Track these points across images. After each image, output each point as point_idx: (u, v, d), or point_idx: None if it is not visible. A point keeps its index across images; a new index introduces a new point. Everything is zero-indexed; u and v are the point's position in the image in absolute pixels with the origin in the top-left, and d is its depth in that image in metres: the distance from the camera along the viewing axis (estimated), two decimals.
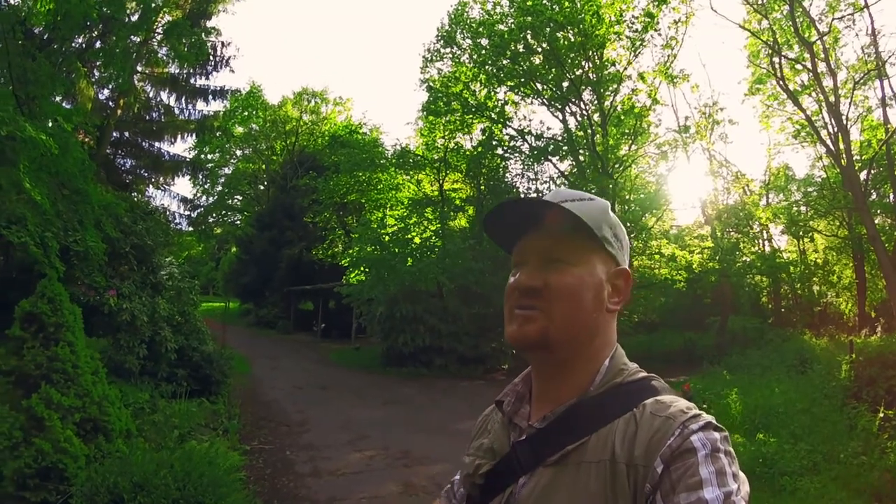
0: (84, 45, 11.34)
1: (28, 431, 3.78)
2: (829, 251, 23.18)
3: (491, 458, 1.05)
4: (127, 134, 18.42)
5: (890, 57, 15.81)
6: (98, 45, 10.94)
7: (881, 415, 6.61)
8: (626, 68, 18.89)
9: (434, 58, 20.86)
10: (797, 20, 16.06)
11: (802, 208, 20.95)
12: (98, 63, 11.33)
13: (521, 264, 1.02)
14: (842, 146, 15.91)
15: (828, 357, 11.28)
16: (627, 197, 19.47)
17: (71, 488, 3.61)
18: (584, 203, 1.02)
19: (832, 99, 16.13)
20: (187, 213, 23.14)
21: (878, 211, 18.71)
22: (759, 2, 17.13)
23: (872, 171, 17.87)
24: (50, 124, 6.00)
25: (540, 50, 18.85)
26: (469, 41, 20.06)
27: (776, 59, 16.87)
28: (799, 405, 7.94)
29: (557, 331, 0.96)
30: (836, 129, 16.22)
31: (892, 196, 18.40)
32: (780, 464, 5.99)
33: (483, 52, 19.36)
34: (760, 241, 23.26)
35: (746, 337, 18.51)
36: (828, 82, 16.48)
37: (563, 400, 0.98)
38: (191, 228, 26.85)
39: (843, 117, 16.30)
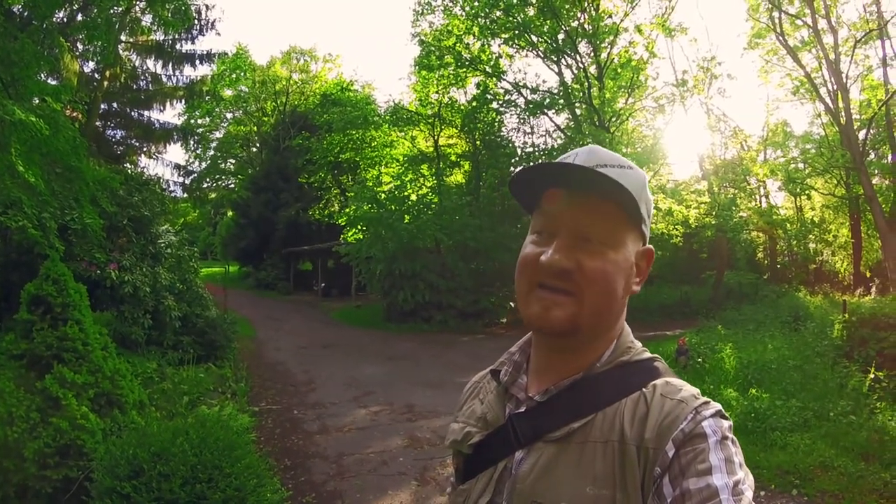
0: (65, 20, 11.11)
1: (45, 412, 3.85)
2: (826, 209, 23.22)
3: (483, 427, 1.00)
4: (115, 105, 18.32)
5: (892, 17, 15.60)
6: (80, 17, 10.74)
7: (871, 376, 6.78)
8: (622, 20, 18.62)
9: (425, 10, 20.45)
10: None
11: (800, 165, 20.78)
12: (81, 37, 11.14)
13: (549, 234, 0.91)
14: (841, 104, 15.84)
15: (821, 315, 11.51)
16: (624, 151, 19.28)
17: (91, 463, 3.69)
18: (625, 172, 0.91)
19: (832, 56, 15.95)
20: (181, 179, 23.28)
21: (876, 171, 18.64)
22: None
23: (871, 132, 17.79)
24: (37, 103, 5.98)
25: (534, 1, 18.46)
26: None
27: (776, 14, 16.65)
28: (791, 362, 8.09)
29: (587, 318, 0.88)
30: (835, 88, 16.12)
31: (890, 157, 18.31)
32: (771, 419, 6.16)
33: (476, 3, 18.95)
34: (757, 196, 23.21)
35: (742, 292, 18.74)
36: (828, 39, 16.26)
37: (566, 374, 0.93)
38: (186, 195, 26.86)
39: (843, 75, 16.13)
